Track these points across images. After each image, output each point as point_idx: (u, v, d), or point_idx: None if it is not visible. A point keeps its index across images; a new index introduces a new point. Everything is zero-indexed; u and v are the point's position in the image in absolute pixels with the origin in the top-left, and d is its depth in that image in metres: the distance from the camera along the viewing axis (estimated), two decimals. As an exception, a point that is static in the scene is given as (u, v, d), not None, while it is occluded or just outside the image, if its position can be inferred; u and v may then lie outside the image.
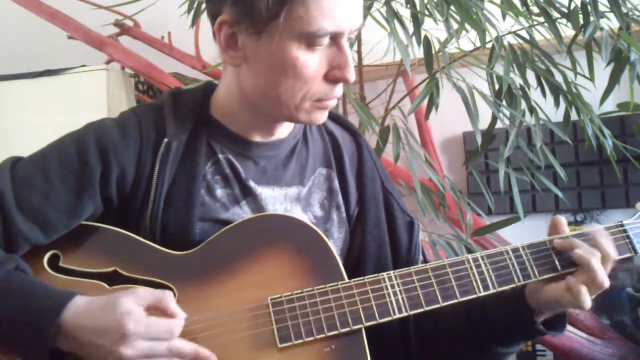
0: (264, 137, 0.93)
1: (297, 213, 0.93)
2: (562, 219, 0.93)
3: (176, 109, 0.91)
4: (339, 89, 0.85)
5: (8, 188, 0.80)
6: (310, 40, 0.79)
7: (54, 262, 0.83)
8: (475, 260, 0.88)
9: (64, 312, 0.73)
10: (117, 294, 0.76)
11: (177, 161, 0.87)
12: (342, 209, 0.97)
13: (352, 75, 0.83)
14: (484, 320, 0.92)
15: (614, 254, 0.87)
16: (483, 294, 0.87)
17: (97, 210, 0.86)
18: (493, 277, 0.87)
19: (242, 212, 0.89)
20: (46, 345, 0.73)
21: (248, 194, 0.91)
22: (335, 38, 0.81)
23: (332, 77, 0.83)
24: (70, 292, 0.76)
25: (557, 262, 0.89)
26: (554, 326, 0.90)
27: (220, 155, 0.91)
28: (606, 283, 0.84)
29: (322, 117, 0.88)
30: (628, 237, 0.93)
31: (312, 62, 0.81)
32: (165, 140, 0.87)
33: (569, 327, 1.96)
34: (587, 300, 0.84)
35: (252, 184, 0.91)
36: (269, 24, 0.79)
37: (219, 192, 0.89)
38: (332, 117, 1.05)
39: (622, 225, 0.94)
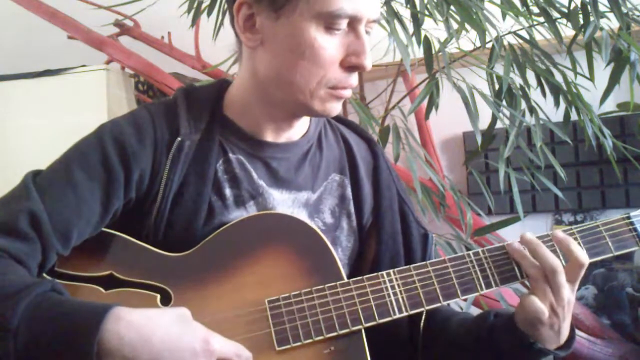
0: (277, 136, 0.92)
1: (303, 218, 0.90)
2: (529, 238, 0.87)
3: (189, 108, 0.90)
4: (354, 78, 0.84)
5: (42, 211, 0.75)
6: (329, 21, 0.79)
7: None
8: (477, 256, 0.86)
9: (106, 319, 0.66)
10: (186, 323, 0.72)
11: (189, 161, 0.86)
12: (353, 217, 0.95)
13: (368, 62, 0.82)
14: (489, 342, 0.87)
15: (584, 259, 0.82)
16: (485, 291, 0.85)
17: (115, 216, 0.84)
18: (495, 274, 0.85)
19: (247, 215, 0.87)
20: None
21: (257, 195, 0.89)
22: (353, 24, 0.81)
23: (348, 63, 0.82)
24: (108, 304, 0.69)
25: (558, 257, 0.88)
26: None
27: (231, 155, 0.89)
28: (565, 294, 0.81)
29: (336, 107, 0.86)
30: (635, 229, 0.90)
31: (329, 45, 0.80)
32: (179, 139, 0.86)
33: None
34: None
35: (262, 184, 0.89)
36: (288, 3, 0.78)
37: (227, 191, 0.88)
38: (348, 124, 1.04)
39: (629, 218, 0.91)
